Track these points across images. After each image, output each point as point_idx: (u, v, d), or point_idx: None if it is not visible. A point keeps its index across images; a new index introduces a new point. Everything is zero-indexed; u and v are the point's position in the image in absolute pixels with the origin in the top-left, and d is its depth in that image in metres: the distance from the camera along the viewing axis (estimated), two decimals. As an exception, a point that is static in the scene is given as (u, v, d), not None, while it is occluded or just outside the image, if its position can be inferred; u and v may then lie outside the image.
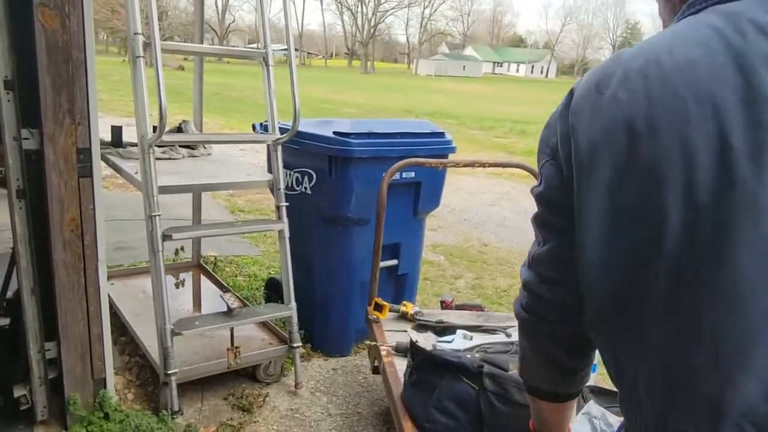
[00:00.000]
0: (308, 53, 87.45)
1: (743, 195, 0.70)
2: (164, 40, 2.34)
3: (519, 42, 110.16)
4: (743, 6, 0.76)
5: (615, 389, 0.93)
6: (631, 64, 0.80)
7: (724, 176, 0.70)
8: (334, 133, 2.88)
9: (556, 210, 0.92)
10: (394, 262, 3.26)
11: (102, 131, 2.25)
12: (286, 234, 2.71)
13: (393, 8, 79.87)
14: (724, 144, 0.70)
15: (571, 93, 0.88)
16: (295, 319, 2.76)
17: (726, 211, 0.70)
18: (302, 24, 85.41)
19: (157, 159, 2.70)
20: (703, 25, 0.77)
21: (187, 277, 3.77)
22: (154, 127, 2.30)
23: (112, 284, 3.36)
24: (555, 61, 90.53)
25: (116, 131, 3.06)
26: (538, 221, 0.98)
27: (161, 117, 2.18)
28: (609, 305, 0.84)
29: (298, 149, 2.97)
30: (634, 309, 0.80)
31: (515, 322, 2.65)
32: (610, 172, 0.78)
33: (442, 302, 3.08)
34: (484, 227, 6.32)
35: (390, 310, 2.80)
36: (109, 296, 2.38)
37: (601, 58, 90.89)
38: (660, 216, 0.74)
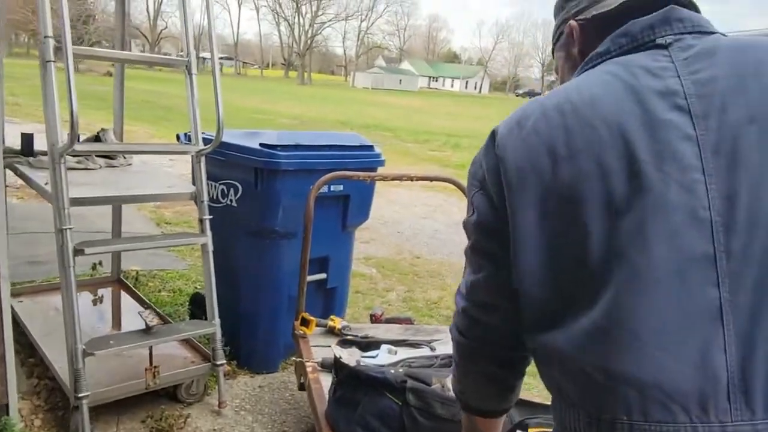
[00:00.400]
0: (244, 63, 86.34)
1: (654, 197, 0.83)
2: (90, 44, 2.24)
3: (454, 58, 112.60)
4: (632, 57, 0.95)
5: (533, 400, 0.95)
6: (547, 103, 0.95)
7: (635, 184, 0.83)
8: (261, 144, 2.82)
9: (490, 236, 0.99)
10: (322, 275, 3.22)
11: (13, 139, 2.11)
12: (210, 248, 2.63)
13: (330, 20, 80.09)
14: (633, 158, 0.84)
15: (494, 133, 0.99)
16: (218, 336, 2.68)
17: (641, 213, 0.83)
18: (238, 33, 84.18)
19: (72, 169, 2.56)
20: (602, 72, 0.95)
21: (106, 293, 3.60)
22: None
23: (20, 302, 3.17)
24: (488, 77, 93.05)
25: (26, 139, 2.88)
26: (474, 249, 1.05)
27: (72, 125, 2.07)
28: (547, 311, 0.92)
29: (224, 161, 2.89)
30: (569, 312, 0.89)
31: (441, 336, 2.68)
32: (537, 193, 0.90)
33: (372, 316, 3.06)
34: (416, 239, 6.36)
35: (317, 325, 2.75)
36: (16, 314, 2.23)
37: (531, 76, 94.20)
38: (584, 228, 0.85)
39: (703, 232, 0.81)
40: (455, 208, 7.80)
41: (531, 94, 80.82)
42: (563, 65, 1.14)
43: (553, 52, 1.19)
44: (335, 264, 3.27)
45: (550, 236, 0.90)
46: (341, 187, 3.04)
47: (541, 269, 0.91)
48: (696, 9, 1.01)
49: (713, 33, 0.96)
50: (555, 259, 0.90)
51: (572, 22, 1.09)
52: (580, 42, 1.08)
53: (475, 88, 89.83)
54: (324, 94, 42.07)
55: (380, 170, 3.22)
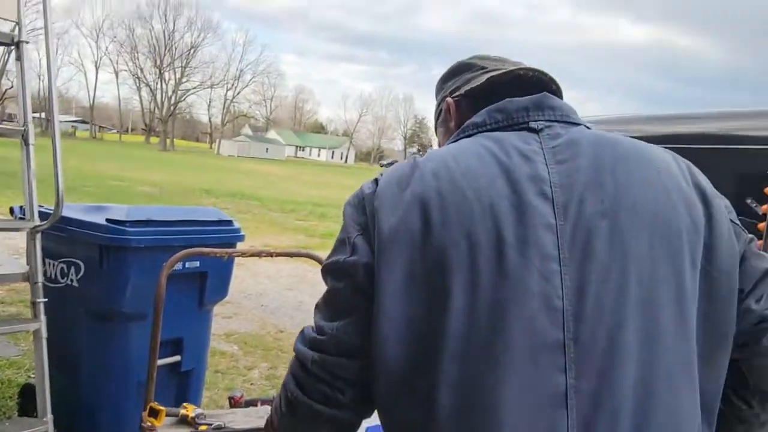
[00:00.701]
0: (100, 126, 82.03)
1: (515, 281, 0.85)
2: None
3: (320, 128, 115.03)
4: (506, 135, 0.99)
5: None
6: (425, 167, 0.96)
7: (499, 262, 0.86)
8: (107, 220, 2.64)
9: (361, 282, 0.94)
10: (176, 358, 3.01)
11: None
12: (43, 334, 2.37)
13: (195, 88, 78.91)
14: (500, 237, 0.87)
15: (377, 181, 1.00)
16: (51, 435, 2.38)
17: (501, 293, 0.85)
18: (94, 96, 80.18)
19: None
20: (479, 144, 0.98)
21: None
22: None
23: None
24: (354, 148, 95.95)
25: None
26: (340, 292, 0.98)
27: None
28: (402, 379, 0.89)
29: (64, 237, 2.66)
30: (425, 383, 0.86)
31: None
32: (407, 255, 0.89)
33: (230, 399, 2.89)
34: (280, 312, 6.21)
35: (167, 415, 2.54)
36: None
37: (394, 147, 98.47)
38: (447, 297, 0.86)
39: (556, 320, 0.85)
40: (319, 278, 7.76)
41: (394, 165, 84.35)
42: (443, 140, 1.17)
43: (435, 129, 1.25)
44: (191, 344, 3.08)
45: (414, 302, 0.89)
46: (197, 264, 2.91)
47: (399, 336, 0.89)
48: (559, 94, 1.09)
49: (579, 124, 1.02)
50: (415, 327, 0.88)
51: (449, 99, 1.16)
52: (456, 117, 1.14)
53: (342, 158, 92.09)
54: (188, 161, 40.89)
55: (239, 245, 3.14)
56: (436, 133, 1.26)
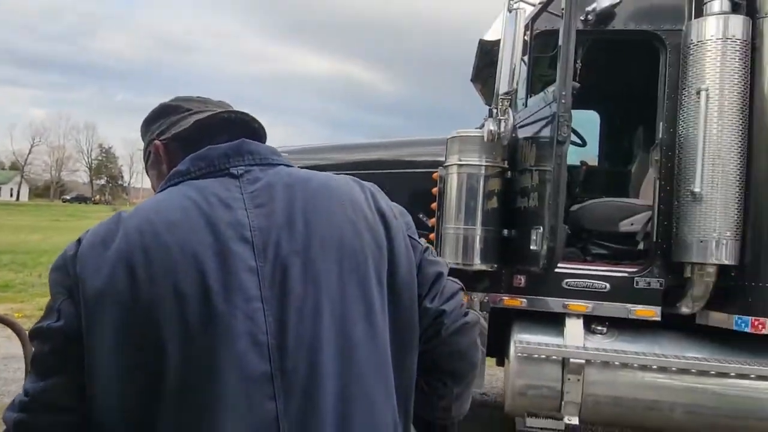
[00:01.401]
0: None
1: (222, 326, 0.92)
2: None
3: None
4: (208, 183, 1.05)
5: None
6: (129, 223, 0.99)
7: (206, 311, 0.92)
8: None
9: (67, 346, 0.95)
10: None
11: None
12: None
13: None
14: (205, 286, 0.93)
15: (79, 242, 1.00)
16: None
17: (211, 340, 0.92)
18: None
19: None
20: (182, 195, 1.04)
21: None
22: None
23: None
24: (27, 183, 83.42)
25: None
26: (44, 357, 0.97)
27: None
28: None
29: None
30: None
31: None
32: (116, 314, 0.92)
33: None
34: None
35: None
36: None
37: (78, 180, 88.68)
38: (161, 350, 0.90)
39: (262, 354, 0.94)
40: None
41: (80, 199, 75.87)
42: (157, 183, 1.19)
43: (147, 171, 1.26)
44: None
45: (127, 361, 0.92)
46: None
47: (114, 395, 0.92)
48: (262, 132, 1.20)
49: (278, 164, 1.11)
50: (131, 385, 0.92)
51: (157, 142, 1.19)
52: (167, 160, 1.17)
53: (11, 194, 79.31)
54: None
55: None
56: (147, 175, 1.27)
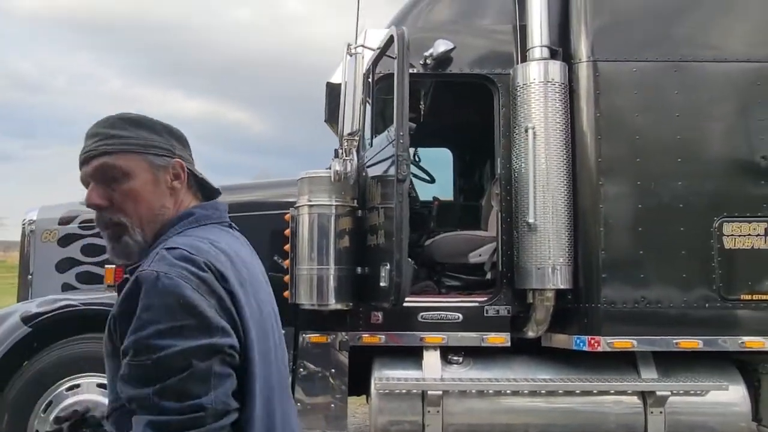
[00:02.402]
0: None
1: (269, 322, 1.30)
2: None
3: None
4: (223, 227, 1.35)
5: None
6: (218, 247, 1.21)
7: (262, 316, 1.25)
8: None
9: (233, 356, 1.13)
10: None
11: None
12: None
13: None
14: (271, 301, 1.36)
15: (198, 264, 1.13)
16: None
17: (264, 331, 1.25)
18: None
19: None
20: (224, 232, 1.31)
21: None
22: None
23: None
24: None
25: None
26: (209, 369, 1.05)
27: None
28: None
29: None
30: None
31: None
32: (255, 327, 1.20)
33: None
34: None
35: None
36: None
37: None
38: (272, 359, 1.26)
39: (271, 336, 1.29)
40: None
41: None
42: (153, 189, 1.26)
43: (139, 159, 1.26)
44: None
45: (259, 350, 1.18)
46: None
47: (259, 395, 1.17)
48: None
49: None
50: (262, 371, 1.19)
51: (182, 162, 1.31)
52: (185, 183, 1.33)
53: None
54: None
55: None
56: (131, 160, 1.27)
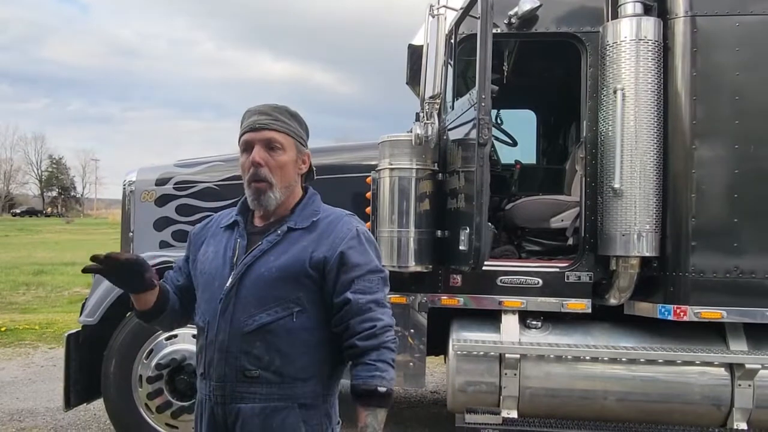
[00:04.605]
0: None
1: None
2: None
3: None
4: None
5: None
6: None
7: None
8: None
9: None
10: None
11: None
12: None
13: None
14: None
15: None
16: None
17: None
18: None
19: None
20: None
21: None
22: None
23: None
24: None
25: None
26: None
27: None
28: None
29: None
30: None
31: None
32: None
33: None
34: None
35: None
36: None
37: (28, 192, 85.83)
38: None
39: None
40: None
41: (31, 212, 73.27)
42: (294, 170, 1.75)
43: (292, 149, 1.75)
44: None
45: None
46: None
47: None
48: None
49: None
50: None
51: (309, 153, 1.81)
52: (306, 171, 1.81)
53: (-40, 210, 76.08)
54: None
55: None
56: (284, 153, 1.73)
